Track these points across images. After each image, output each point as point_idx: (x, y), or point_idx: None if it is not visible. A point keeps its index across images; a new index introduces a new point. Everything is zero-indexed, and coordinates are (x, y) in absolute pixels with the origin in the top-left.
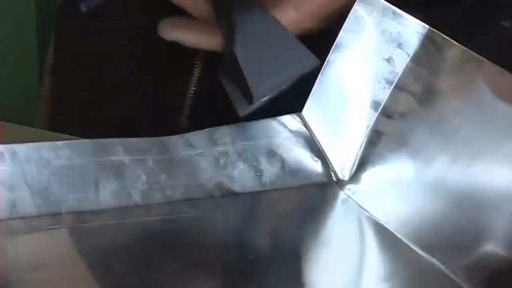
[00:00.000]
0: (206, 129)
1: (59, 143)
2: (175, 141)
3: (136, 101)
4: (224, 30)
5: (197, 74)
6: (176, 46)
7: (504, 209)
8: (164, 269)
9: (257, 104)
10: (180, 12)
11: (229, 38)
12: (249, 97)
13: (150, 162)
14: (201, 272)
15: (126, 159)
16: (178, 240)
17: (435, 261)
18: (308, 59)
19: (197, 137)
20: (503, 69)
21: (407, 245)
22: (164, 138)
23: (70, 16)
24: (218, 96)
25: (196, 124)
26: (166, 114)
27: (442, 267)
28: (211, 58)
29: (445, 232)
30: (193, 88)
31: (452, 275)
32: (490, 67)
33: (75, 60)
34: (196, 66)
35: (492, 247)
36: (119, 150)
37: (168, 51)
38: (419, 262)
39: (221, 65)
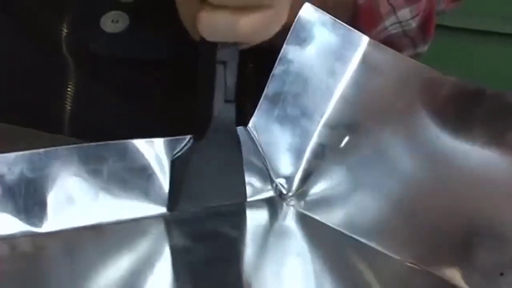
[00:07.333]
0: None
1: (13, 155)
2: (133, 146)
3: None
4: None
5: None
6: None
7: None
8: None
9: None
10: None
11: (198, 130)
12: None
13: (105, 174)
14: None
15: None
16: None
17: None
18: (237, 194)
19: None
20: (444, 76)
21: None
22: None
23: None
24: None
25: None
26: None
27: (396, 257)
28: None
29: (388, 229)
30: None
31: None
32: (433, 74)
33: None
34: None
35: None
36: (75, 159)
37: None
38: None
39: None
